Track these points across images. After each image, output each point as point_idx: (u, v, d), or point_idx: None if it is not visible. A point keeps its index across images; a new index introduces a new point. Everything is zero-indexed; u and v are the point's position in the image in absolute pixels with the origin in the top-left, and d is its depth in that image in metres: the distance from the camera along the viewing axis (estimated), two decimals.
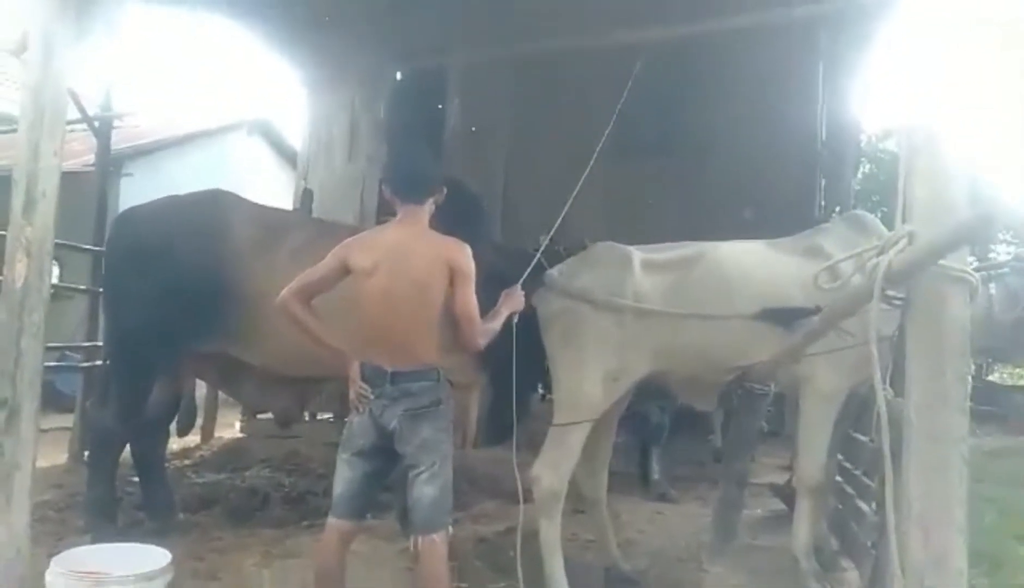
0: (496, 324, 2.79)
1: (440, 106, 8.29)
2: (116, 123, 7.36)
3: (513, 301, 2.95)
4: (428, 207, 2.77)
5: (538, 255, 3.55)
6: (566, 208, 3.66)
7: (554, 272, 3.63)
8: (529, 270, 3.40)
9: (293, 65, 8.78)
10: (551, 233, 3.80)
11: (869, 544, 3.03)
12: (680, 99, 7.45)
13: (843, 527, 3.60)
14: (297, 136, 9.91)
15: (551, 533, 3.43)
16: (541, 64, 7.66)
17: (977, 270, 1.99)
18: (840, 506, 3.77)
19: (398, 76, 8.40)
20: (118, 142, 7.83)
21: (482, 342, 2.71)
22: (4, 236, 2.75)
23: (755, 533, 4.22)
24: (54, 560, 2.55)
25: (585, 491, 3.78)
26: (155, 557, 2.68)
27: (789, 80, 7.43)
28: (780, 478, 5.08)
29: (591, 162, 3.81)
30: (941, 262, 1.72)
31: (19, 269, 2.68)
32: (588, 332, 3.46)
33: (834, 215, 6.22)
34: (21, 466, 2.65)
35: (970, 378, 2.01)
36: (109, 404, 4.20)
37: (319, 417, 7.15)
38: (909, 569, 1.78)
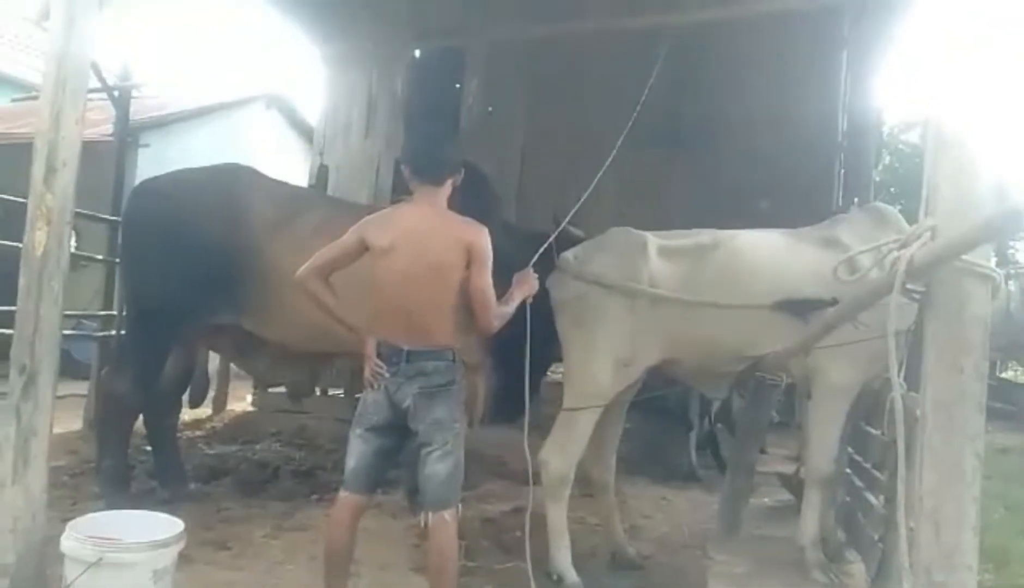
0: (510, 308, 2.80)
1: (458, 86, 8.25)
2: (135, 93, 7.37)
3: (526, 284, 2.95)
4: (446, 188, 2.77)
5: (550, 239, 3.55)
6: (585, 195, 3.65)
7: (568, 256, 3.61)
8: (539, 253, 3.40)
9: (312, 40, 8.74)
10: (567, 219, 3.79)
11: (876, 537, 3.03)
12: (699, 85, 7.37)
13: (851, 519, 3.59)
14: (314, 112, 9.89)
15: (558, 516, 3.45)
16: (559, 46, 7.61)
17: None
18: (848, 498, 3.76)
19: (417, 55, 8.35)
20: (136, 112, 7.84)
21: (496, 325, 2.71)
22: (25, 203, 2.77)
23: (761, 523, 4.22)
24: (69, 525, 2.59)
25: (593, 475, 3.79)
26: (167, 525, 2.72)
27: (811, 68, 7.33)
28: (787, 468, 5.08)
29: (613, 152, 3.79)
30: (964, 257, 1.70)
31: (39, 237, 2.70)
32: (601, 317, 3.46)
33: (853, 207, 6.15)
34: (38, 431, 2.69)
35: None
36: (124, 373, 4.24)
37: (330, 393, 7.20)
38: (918, 564, 1.77)
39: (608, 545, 3.86)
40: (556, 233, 3.56)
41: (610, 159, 3.72)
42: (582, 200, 3.67)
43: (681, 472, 5.73)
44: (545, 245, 3.46)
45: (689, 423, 5.85)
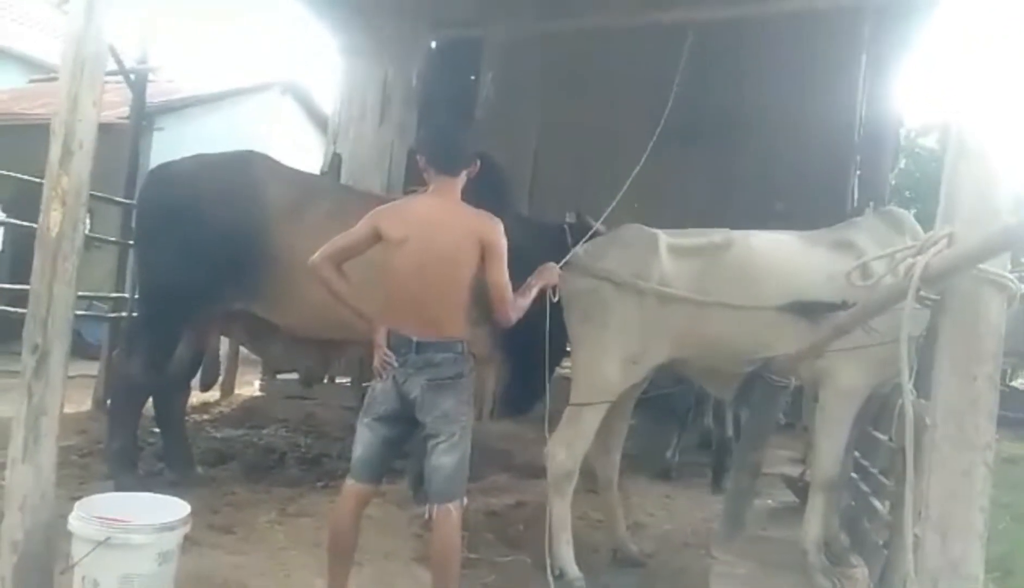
0: (527, 300, 2.80)
1: (473, 77, 8.24)
2: (151, 77, 7.39)
3: (546, 276, 2.95)
4: (462, 179, 2.77)
5: (588, 236, 3.58)
6: (620, 194, 3.67)
7: (579, 251, 3.61)
8: (573, 250, 3.43)
9: (329, 29, 8.75)
10: (601, 219, 3.80)
11: (880, 543, 3.02)
12: (716, 83, 7.31)
13: (855, 524, 3.58)
14: (328, 100, 9.90)
15: (562, 511, 3.45)
16: (575, 40, 7.58)
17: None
18: (853, 503, 3.75)
19: (432, 45, 8.34)
20: (152, 96, 7.86)
21: (514, 317, 2.71)
22: (41, 184, 2.79)
23: (765, 524, 4.22)
24: (77, 505, 2.61)
25: (597, 471, 3.80)
26: (174, 508, 2.74)
27: (829, 69, 7.27)
28: (792, 470, 5.07)
29: (648, 149, 3.81)
30: (980, 266, 1.69)
31: (54, 218, 2.70)
32: (610, 314, 3.45)
33: (867, 210, 6.10)
34: (49, 410, 2.70)
35: None
36: (135, 356, 4.27)
37: (337, 381, 7.23)
38: (923, 572, 1.76)
39: (611, 542, 3.87)
40: (591, 233, 3.58)
41: (643, 160, 3.74)
42: (615, 202, 3.69)
43: (655, 468, 5.69)
44: (585, 240, 3.49)
45: (681, 422, 5.82)
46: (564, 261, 3.28)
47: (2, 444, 2.69)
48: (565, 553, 3.43)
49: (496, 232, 2.65)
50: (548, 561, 3.00)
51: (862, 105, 7.41)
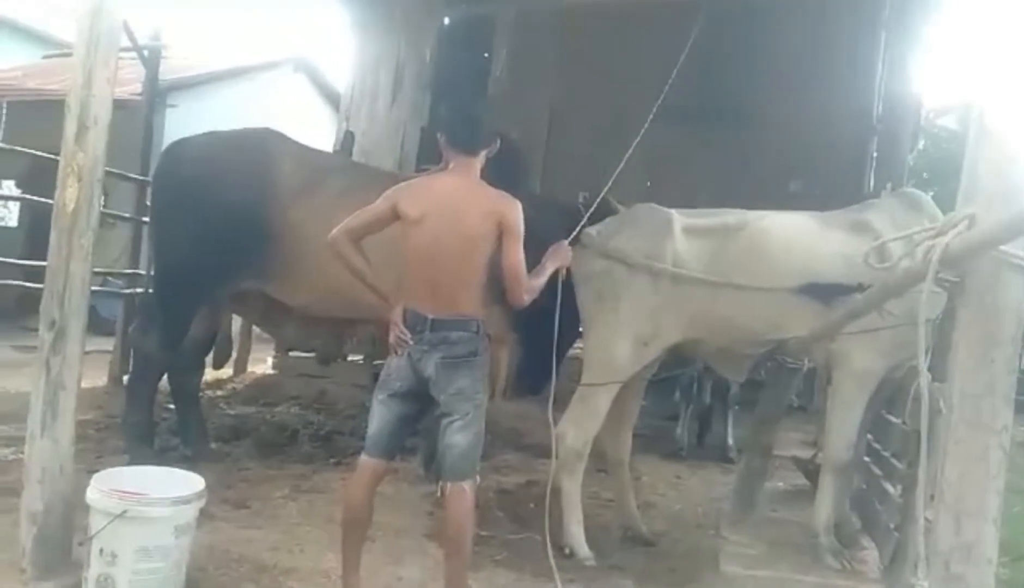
0: (541, 280, 2.78)
1: (486, 55, 8.19)
2: (164, 54, 7.38)
3: (559, 255, 2.93)
4: (481, 159, 2.75)
5: (590, 211, 3.55)
6: (617, 171, 3.63)
7: (592, 231, 3.59)
8: (581, 226, 3.41)
9: (342, 5, 8.70)
10: (602, 193, 3.77)
11: (892, 526, 3.02)
12: (732, 61, 7.22)
13: (866, 507, 3.58)
14: (341, 77, 9.85)
15: (572, 490, 3.48)
16: (589, 16, 7.50)
17: None
18: (865, 486, 3.75)
19: (445, 22, 8.28)
20: (164, 73, 7.85)
21: (528, 299, 2.70)
22: (56, 160, 2.80)
23: (775, 505, 4.23)
24: (95, 478, 2.65)
25: (608, 451, 3.81)
26: (189, 482, 2.77)
27: (848, 48, 7.17)
28: (804, 452, 5.06)
29: (644, 126, 3.76)
30: (1001, 248, 1.67)
31: (70, 194, 2.72)
32: (623, 294, 3.45)
33: (884, 191, 6.04)
34: (67, 385, 2.74)
35: None
36: (150, 333, 4.30)
37: (350, 358, 7.25)
38: (935, 554, 1.77)
39: (621, 521, 3.88)
40: (591, 209, 3.55)
41: (639, 137, 3.69)
42: (614, 176, 3.66)
43: (666, 446, 5.71)
44: (586, 217, 3.46)
45: (687, 399, 5.83)
46: (575, 240, 3.26)
47: (21, 418, 2.72)
48: (576, 532, 3.45)
49: (515, 212, 2.63)
50: (547, 539, 3.01)
51: (881, 84, 7.32)
